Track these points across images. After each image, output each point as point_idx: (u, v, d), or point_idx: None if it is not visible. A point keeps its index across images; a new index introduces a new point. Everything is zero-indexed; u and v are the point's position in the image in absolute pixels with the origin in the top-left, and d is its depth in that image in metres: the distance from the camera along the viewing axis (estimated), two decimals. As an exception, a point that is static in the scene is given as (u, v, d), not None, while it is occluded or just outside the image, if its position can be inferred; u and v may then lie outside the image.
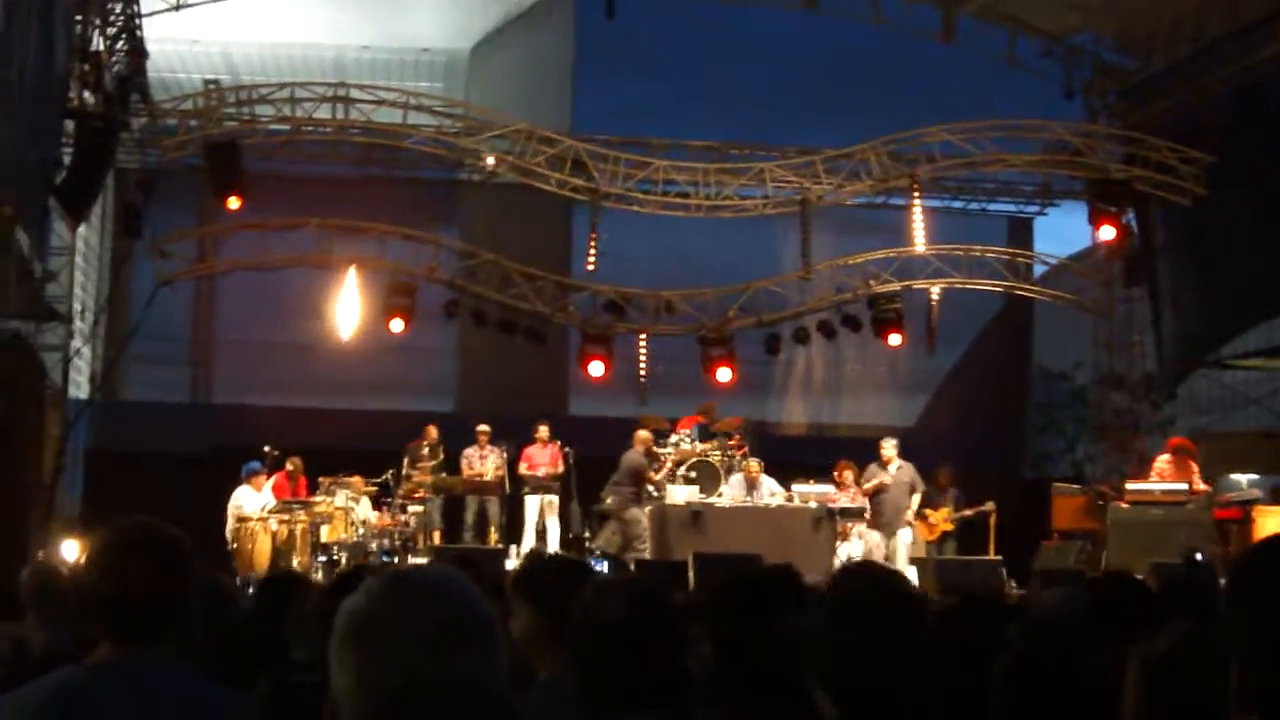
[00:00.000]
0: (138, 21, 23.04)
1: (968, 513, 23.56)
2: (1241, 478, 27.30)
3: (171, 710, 4.00)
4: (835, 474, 23.06)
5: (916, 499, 22.77)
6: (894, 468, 22.62)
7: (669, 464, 23.49)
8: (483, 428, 23.91)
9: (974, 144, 25.66)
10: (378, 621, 2.63)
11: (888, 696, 4.36)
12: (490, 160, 24.86)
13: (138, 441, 27.80)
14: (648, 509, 22.18)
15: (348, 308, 25.19)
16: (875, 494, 22.55)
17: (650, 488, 22.76)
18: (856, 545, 22.63)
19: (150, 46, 23.76)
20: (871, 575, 5.00)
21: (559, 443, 23.85)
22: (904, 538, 22.55)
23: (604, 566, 18.33)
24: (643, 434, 23.23)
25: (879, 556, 21.60)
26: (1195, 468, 22.47)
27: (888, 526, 22.50)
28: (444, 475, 23.47)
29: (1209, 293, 27.56)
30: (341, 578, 6.62)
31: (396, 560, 20.60)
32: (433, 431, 23.82)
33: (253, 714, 4.72)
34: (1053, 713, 3.42)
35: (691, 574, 17.60)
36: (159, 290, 24.81)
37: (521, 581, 5.03)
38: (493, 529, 23.34)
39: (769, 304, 27.26)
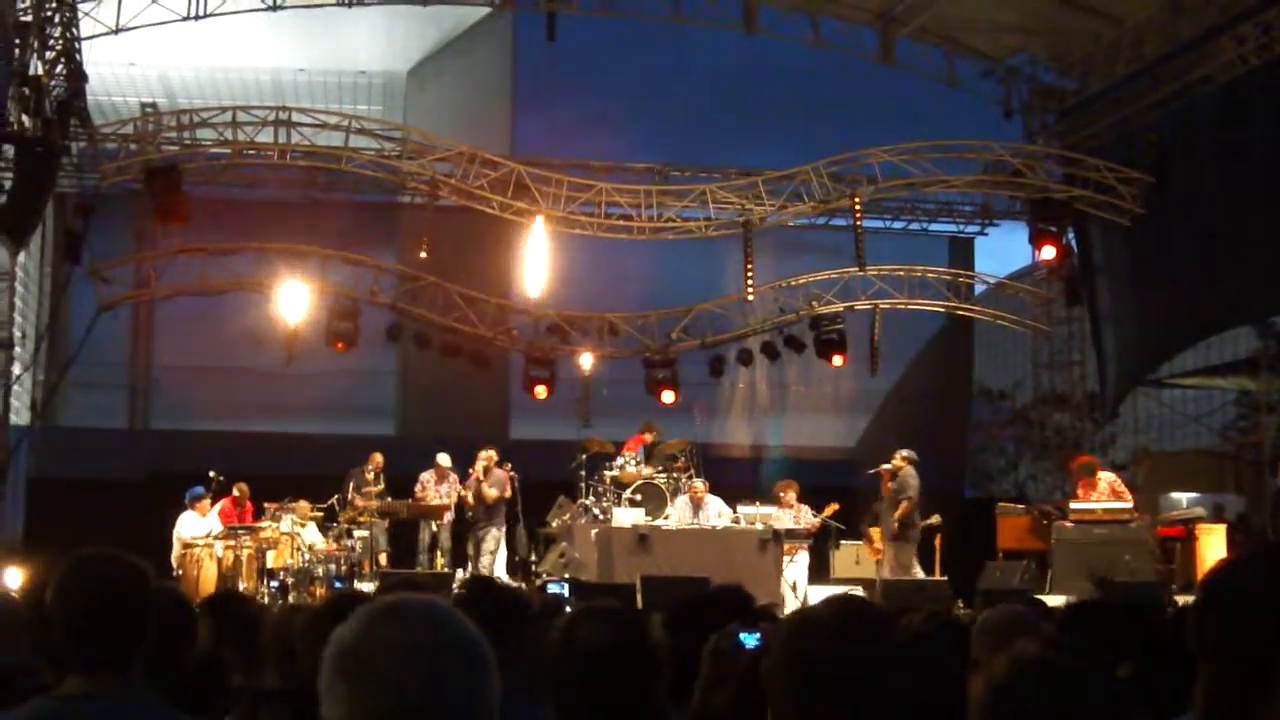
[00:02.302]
0: (77, 45, 22.87)
1: None
2: (1183, 496, 27.52)
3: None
4: (778, 493, 22.99)
5: (903, 506, 22.31)
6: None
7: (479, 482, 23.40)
8: (443, 459, 23.63)
9: (914, 165, 25.72)
10: (367, 650, 2.60)
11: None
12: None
13: (76, 467, 27.58)
14: (593, 531, 22.07)
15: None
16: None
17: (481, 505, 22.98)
18: (800, 566, 22.54)
19: (88, 69, 23.62)
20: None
21: (508, 467, 23.63)
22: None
23: (562, 589, 18.04)
24: (481, 454, 23.24)
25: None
26: (1103, 478, 22.36)
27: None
28: (389, 500, 23.29)
29: (1148, 312, 27.73)
30: (330, 605, 6.53)
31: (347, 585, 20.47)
32: (378, 458, 23.54)
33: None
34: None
35: (639, 597, 17.54)
36: (99, 316, 24.64)
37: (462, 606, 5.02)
38: (440, 554, 23.21)
39: (712, 326, 27.34)
